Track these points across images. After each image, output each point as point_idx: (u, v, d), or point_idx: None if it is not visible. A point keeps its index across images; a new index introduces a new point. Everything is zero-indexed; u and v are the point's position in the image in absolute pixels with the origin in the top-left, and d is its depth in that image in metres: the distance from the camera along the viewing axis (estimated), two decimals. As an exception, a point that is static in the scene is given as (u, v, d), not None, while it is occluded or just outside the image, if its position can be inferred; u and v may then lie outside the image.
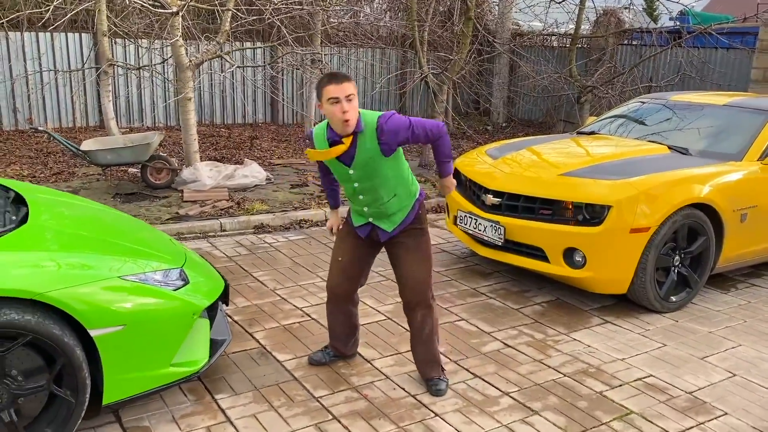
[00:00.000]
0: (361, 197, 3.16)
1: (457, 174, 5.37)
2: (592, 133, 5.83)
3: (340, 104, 2.88)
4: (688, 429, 3.07)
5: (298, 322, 4.11)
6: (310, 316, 4.20)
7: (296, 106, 11.70)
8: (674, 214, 4.26)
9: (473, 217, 4.80)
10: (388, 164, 3.06)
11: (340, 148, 2.99)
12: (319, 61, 10.06)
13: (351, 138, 2.99)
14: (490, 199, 4.69)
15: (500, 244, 4.59)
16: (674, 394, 3.38)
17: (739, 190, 4.59)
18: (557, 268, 4.40)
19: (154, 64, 9.60)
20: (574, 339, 4.02)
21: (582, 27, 10.62)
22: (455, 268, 5.17)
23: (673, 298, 4.47)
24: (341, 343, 3.57)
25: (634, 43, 11.58)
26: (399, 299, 4.45)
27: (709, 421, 3.14)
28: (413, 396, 3.30)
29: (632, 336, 4.07)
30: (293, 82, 11.80)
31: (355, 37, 10.78)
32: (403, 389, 3.36)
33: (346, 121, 2.91)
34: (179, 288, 3.03)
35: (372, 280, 4.83)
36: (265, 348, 3.77)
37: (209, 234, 5.88)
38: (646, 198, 4.21)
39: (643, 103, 6.01)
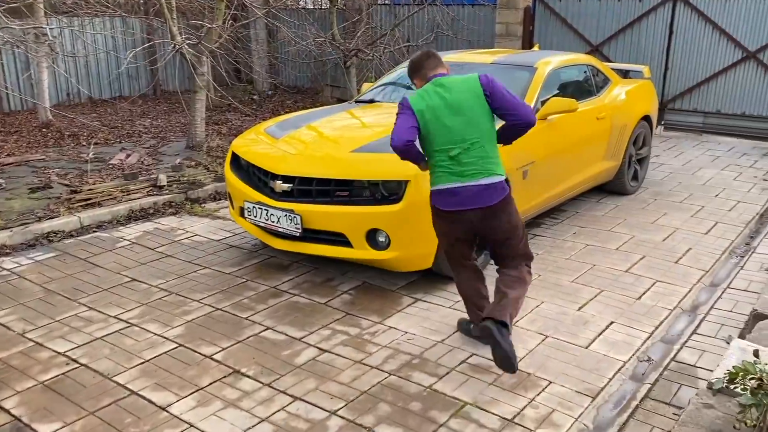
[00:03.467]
0: None
1: (236, 158, 4.76)
2: (371, 101, 5.57)
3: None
4: (521, 410, 2.97)
5: (64, 374, 3.26)
6: (78, 362, 3.37)
7: (24, 89, 9.86)
8: (468, 180, 4.17)
9: (263, 207, 4.26)
10: None
11: None
12: (44, 35, 8.49)
13: None
14: (280, 185, 4.19)
15: (298, 234, 4.13)
16: (499, 371, 3.27)
17: (519, 148, 4.60)
18: (362, 252, 4.08)
19: None
20: (390, 327, 3.75)
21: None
22: (249, 266, 4.61)
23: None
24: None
25: (386, 2, 11.68)
26: (188, 318, 3.81)
27: (538, 395, 3.08)
28: (228, 444, 2.75)
29: (444, 312, 3.94)
30: (16, 62, 9.89)
31: (88, 5, 9.28)
32: (214, 437, 2.79)
33: None
34: None
35: (151, 298, 4.08)
36: (20, 420, 2.90)
37: None
38: (441, 167, 4.05)
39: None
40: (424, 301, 4.08)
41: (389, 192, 4.01)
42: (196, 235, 5.25)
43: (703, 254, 4.87)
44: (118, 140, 8.51)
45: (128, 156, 7.51)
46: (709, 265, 4.67)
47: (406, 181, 3.93)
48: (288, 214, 4.11)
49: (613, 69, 6.76)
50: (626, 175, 6.26)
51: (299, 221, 4.08)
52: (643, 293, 4.19)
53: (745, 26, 8.72)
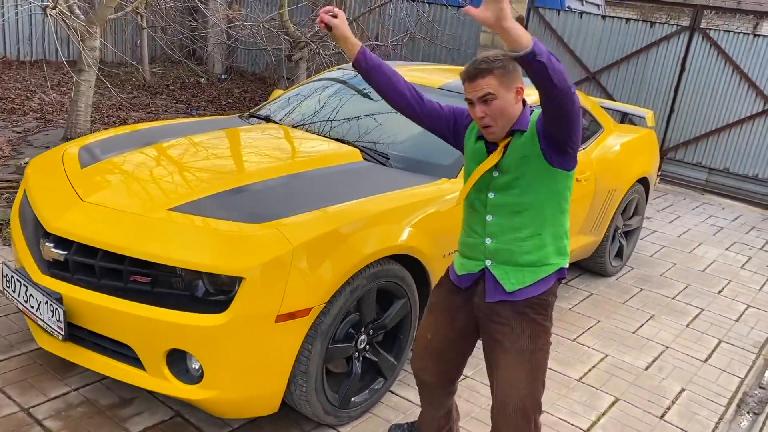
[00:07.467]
0: (490, 218, 2.15)
1: (27, 196, 3.13)
2: (267, 119, 3.98)
3: (473, 108, 2.09)
4: None
5: None
6: None
7: None
8: (355, 277, 2.60)
9: (23, 281, 2.65)
10: (548, 180, 2.09)
11: (492, 160, 2.12)
12: None
13: (507, 141, 2.12)
14: (49, 249, 2.59)
15: (61, 337, 2.53)
16: None
17: (451, 224, 3.09)
18: (158, 382, 2.47)
19: None
20: None
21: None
22: (18, 356, 2.99)
23: (356, 400, 2.87)
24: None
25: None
26: None
27: None
28: None
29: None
30: None
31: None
32: None
33: (486, 128, 2.10)
34: None
35: None
36: None
37: None
38: (307, 257, 2.46)
39: (341, 76, 4.30)
40: (256, 468, 2.51)
41: (214, 289, 2.42)
42: (-16, 282, 3.62)
43: (701, 403, 3.36)
44: (-8, 117, 6.85)
45: (-19, 141, 5.85)
46: (710, 430, 3.15)
47: (240, 279, 2.35)
48: (49, 300, 2.51)
49: (606, 109, 5.24)
50: (608, 252, 4.73)
51: (61, 315, 2.47)
52: (607, 487, 2.66)
53: (773, 73, 7.24)
